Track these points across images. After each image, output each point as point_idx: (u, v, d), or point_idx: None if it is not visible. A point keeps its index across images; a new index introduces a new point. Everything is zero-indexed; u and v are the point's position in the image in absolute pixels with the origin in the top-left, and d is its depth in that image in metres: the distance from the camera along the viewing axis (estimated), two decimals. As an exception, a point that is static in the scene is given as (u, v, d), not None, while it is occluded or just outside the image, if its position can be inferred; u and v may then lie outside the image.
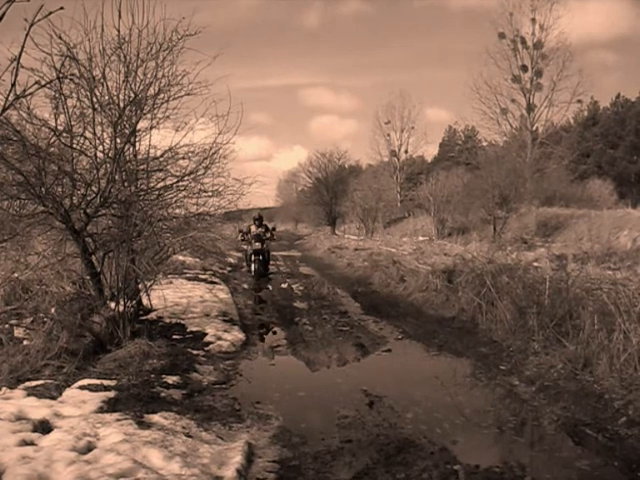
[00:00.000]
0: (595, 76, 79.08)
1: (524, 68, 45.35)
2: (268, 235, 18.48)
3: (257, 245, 17.97)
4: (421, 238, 35.68)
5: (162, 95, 8.95)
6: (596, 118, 54.80)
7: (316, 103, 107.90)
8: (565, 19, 44.08)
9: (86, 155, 8.33)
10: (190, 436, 5.07)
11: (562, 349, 7.64)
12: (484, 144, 52.18)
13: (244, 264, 21.72)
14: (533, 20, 44.74)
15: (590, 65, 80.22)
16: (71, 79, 7.77)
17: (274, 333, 10.33)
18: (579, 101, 46.81)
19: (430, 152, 70.70)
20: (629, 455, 4.96)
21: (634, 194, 40.99)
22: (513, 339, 8.78)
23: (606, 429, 5.52)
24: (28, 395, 5.88)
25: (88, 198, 8.11)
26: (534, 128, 46.17)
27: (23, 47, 5.95)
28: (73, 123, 7.98)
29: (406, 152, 60.05)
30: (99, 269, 8.62)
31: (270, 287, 16.49)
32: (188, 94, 9.12)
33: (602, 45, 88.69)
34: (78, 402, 5.71)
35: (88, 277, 8.46)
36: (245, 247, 19.56)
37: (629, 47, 78.09)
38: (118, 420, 5.22)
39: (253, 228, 18.32)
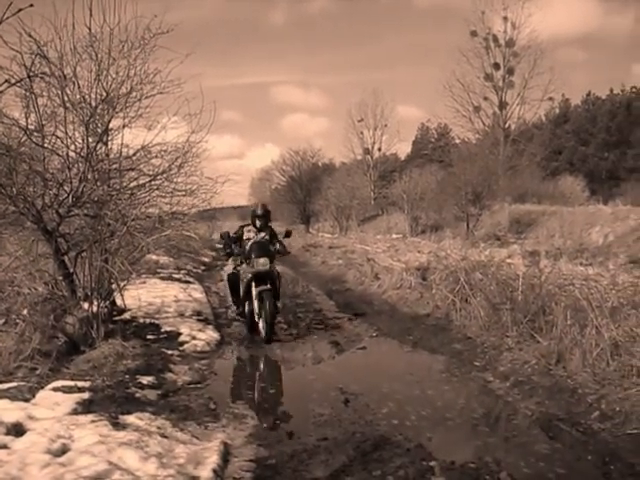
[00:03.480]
0: (566, 74, 79.66)
1: (496, 66, 45.85)
2: (278, 246, 10.08)
3: (262, 263, 9.45)
4: (395, 236, 35.81)
5: (134, 93, 8.87)
6: (567, 115, 55.33)
7: (287, 101, 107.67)
8: (536, 17, 44.50)
9: (58, 154, 8.24)
10: (166, 436, 5.04)
11: (536, 345, 7.72)
12: (457, 142, 52.62)
13: (229, 303, 11.61)
14: (505, 18, 45.28)
15: (561, 63, 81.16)
16: (42, 77, 7.69)
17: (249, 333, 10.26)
18: (550, 99, 47.55)
19: (403, 150, 71.06)
20: (602, 449, 5.02)
21: (605, 191, 41.47)
22: (487, 335, 8.85)
23: (579, 423, 5.58)
24: (0, 398, 5.80)
25: (60, 198, 8.02)
26: (506, 125, 46.69)
27: (-8, 45, 5.88)
28: (44, 122, 7.90)
29: (379, 150, 60.31)
30: (72, 269, 8.52)
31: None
32: (160, 92, 9.07)
33: (571, 42, 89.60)
34: (52, 404, 5.65)
35: (61, 278, 8.36)
36: (230, 266, 10.78)
37: (597, 44, 79.00)
38: (93, 421, 5.17)
39: (249, 232, 10.23)
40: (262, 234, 10.10)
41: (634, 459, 4.76)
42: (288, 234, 11.18)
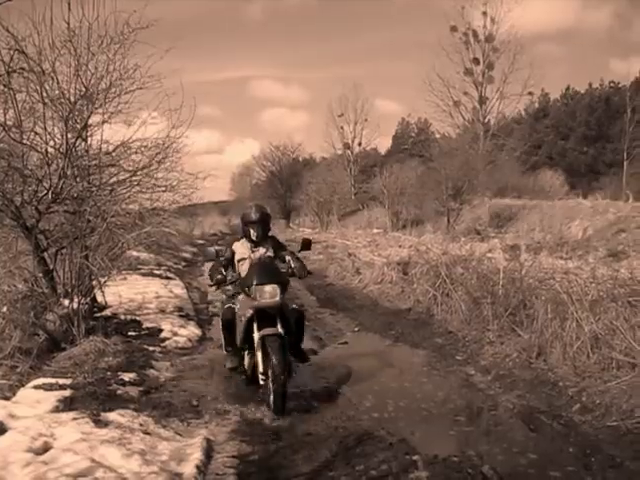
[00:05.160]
0: (545, 68, 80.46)
1: (476, 61, 46.02)
2: (292, 264, 6.92)
3: (269, 293, 6.33)
4: (375, 230, 35.83)
5: (114, 89, 8.83)
6: (547, 110, 55.65)
7: (266, 95, 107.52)
8: (516, 12, 44.79)
9: (37, 151, 8.19)
10: (148, 433, 5.03)
11: (517, 338, 7.78)
12: (437, 136, 52.70)
13: (225, 354, 6.99)
14: (484, 13, 45.42)
15: (540, 58, 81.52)
16: (20, 73, 7.64)
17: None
18: (530, 93, 47.90)
19: (384, 144, 71.05)
20: (583, 441, 5.07)
21: (584, 185, 41.76)
22: (468, 329, 8.90)
23: (561, 416, 5.64)
24: (-19, 396, 5.77)
25: (39, 194, 7.97)
26: (486, 120, 46.94)
27: (-31, 40, 5.82)
28: (23, 118, 7.85)
29: (360, 145, 60.14)
30: (52, 266, 8.47)
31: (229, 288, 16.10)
32: (140, 88, 9.03)
33: (550, 38, 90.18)
34: (33, 402, 5.62)
35: (41, 275, 8.31)
36: (224, 299, 7.49)
37: (576, 39, 79.46)
38: (74, 419, 5.15)
39: (242, 248, 7.08)
40: (262, 250, 6.92)
41: (614, 451, 4.81)
42: (306, 245, 7.31)
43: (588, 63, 77.92)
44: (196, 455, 4.62)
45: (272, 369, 5.83)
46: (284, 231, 41.11)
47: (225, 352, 6.90)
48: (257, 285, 6.25)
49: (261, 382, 6.14)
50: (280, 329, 6.16)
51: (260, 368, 6.14)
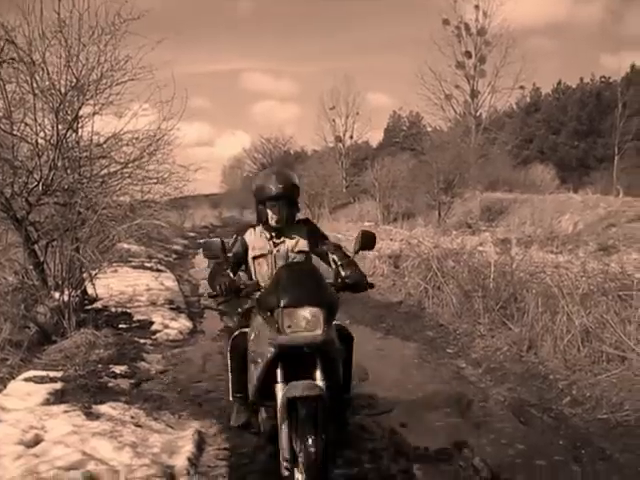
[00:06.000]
0: (537, 63, 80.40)
1: (468, 54, 45.89)
2: (344, 272, 4.52)
3: (305, 321, 3.80)
4: (367, 223, 35.70)
5: (105, 80, 8.80)
6: (538, 104, 55.66)
7: (257, 88, 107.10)
8: (508, 6, 44.80)
9: (27, 142, 8.16)
10: (139, 426, 5.02)
11: (507, 331, 7.80)
12: (429, 130, 52.65)
13: (232, 401, 4.74)
14: (477, 7, 45.24)
15: (531, 51, 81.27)
16: (10, 63, 7.62)
17: (222, 320, 10.27)
18: (521, 87, 47.84)
19: (375, 138, 70.95)
20: (573, 434, 5.10)
21: (575, 179, 41.85)
22: (459, 322, 8.91)
23: (551, 409, 5.66)
24: (-29, 389, 5.75)
25: (30, 186, 7.94)
26: (478, 114, 46.86)
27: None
28: (13, 109, 7.83)
29: (351, 138, 60.04)
30: (42, 258, 8.44)
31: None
32: (132, 79, 9.01)
33: (542, 32, 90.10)
34: (24, 394, 5.60)
35: (31, 267, 8.28)
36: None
37: (567, 34, 79.54)
38: (66, 411, 5.14)
39: (259, 238, 4.61)
40: (289, 242, 4.60)
41: (604, 443, 4.84)
42: (368, 240, 4.66)
43: (579, 57, 77.88)
44: (188, 448, 4.61)
45: (305, 454, 3.55)
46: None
47: (232, 399, 4.66)
48: (286, 308, 3.78)
49: (284, 473, 3.68)
50: (320, 382, 3.78)
51: (284, 452, 3.67)
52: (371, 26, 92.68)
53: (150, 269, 15.87)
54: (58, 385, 5.90)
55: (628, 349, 6.16)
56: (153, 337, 8.56)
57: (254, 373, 4.05)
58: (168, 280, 14.09)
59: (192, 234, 34.52)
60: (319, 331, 3.77)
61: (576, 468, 4.49)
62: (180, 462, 4.36)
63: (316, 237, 4.69)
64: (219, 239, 4.38)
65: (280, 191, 4.39)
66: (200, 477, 4.27)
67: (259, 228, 4.63)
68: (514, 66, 44.59)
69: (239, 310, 5.00)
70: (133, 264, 16.10)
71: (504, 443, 4.99)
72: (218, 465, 4.55)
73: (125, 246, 15.42)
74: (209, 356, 7.79)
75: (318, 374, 3.81)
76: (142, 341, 8.23)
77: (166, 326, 9.12)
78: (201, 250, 4.46)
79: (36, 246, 8.43)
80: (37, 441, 4.51)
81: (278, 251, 4.54)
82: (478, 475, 4.35)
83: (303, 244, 4.59)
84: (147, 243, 17.88)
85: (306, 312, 3.78)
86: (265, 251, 4.55)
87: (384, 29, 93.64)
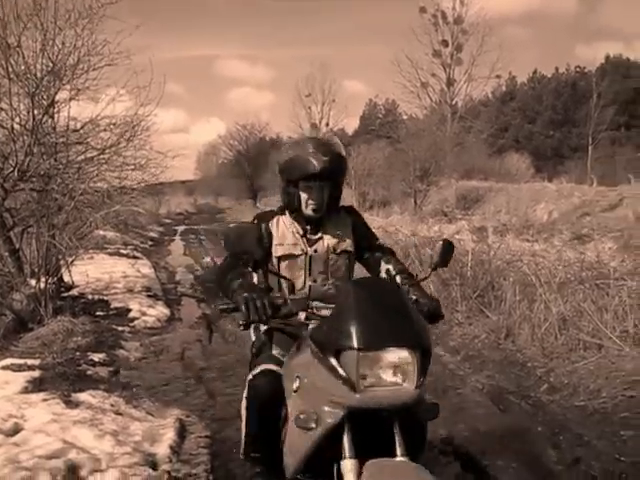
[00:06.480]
0: (513, 52, 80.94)
1: (445, 43, 45.92)
2: (393, 271, 3.32)
3: (390, 375, 2.35)
4: (343, 211, 35.81)
5: (82, 65, 8.70)
6: (514, 93, 56.15)
7: (232, 75, 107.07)
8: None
9: (2, 127, 8.08)
10: (120, 414, 4.99)
11: (485, 319, 7.86)
12: (405, 118, 52.72)
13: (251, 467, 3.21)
14: (454, -5, 45.27)
15: (507, 41, 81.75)
16: (-16, 47, 7.49)
17: (199, 308, 10.24)
18: (498, 76, 48.03)
19: (351, 125, 71.19)
20: (551, 420, 5.15)
21: (550, 168, 42.29)
22: (437, 310, 8.95)
23: (529, 396, 5.70)
24: (-53, 378, 5.68)
25: (5, 172, 7.87)
26: (454, 102, 46.96)
27: None
28: (-13, 94, 7.70)
29: (327, 125, 59.96)
30: (18, 245, 8.37)
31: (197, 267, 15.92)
32: (109, 64, 8.90)
33: (516, 20, 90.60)
34: (1, 383, 5.54)
35: (7, 254, 8.20)
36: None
37: (543, 23, 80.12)
38: (45, 400, 5.09)
39: (288, 231, 3.24)
40: (328, 238, 3.29)
41: (582, 430, 4.89)
42: (449, 255, 3.25)
43: (555, 47, 78.94)
44: (169, 435, 4.60)
45: None
46: (253, 210, 40.95)
47: (242, 456, 3.30)
48: (363, 351, 2.34)
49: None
50: (402, 458, 2.38)
51: None
52: (348, 13, 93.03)
53: (126, 256, 15.81)
54: (36, 373, 5.84)
55: (605, 337, 6.23)
56: (131, 324, 8.53)
57: (302, 441, 2.54)
58: (144, 267, 14.05)
59: (168, 221, 34.43)
60: (411, 385, 2.39)
61: (554, 454, 4.54)
62: (162, 450, 4.34)
63: (364, 234, 3.48)
64: (255, 223, 3.26)
65: (326, 165, 3.06)
66: (182, 465, 4.25)
67: (287, 218, 3.31)
68: (490, 55, 44.88)
69: (259, 326, 3.33)
70: (109, 251, 16.02)
71: (482, 430, 5.02)
72: (200, 453, 4.53)
73: (101, 233, 15.33)
74: (187, 344, 7.77)
75: (399, 447, 2.40)
76: (120, 329, 8.20)
77: (144, 313, 9.09)
78: (222, 241, 2.93)
79: (12, 233, 8.36)
80: (17, 430, 4.46)
81: (315, 251, 3.24)
82: (457, 461, 4.39)
83: (348, 243, 3.34)
84: (123, 230, 17.76)
85: (394, 356, 2.39)
86: (297, 250, 3.23)
87: (361, 16, 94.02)
